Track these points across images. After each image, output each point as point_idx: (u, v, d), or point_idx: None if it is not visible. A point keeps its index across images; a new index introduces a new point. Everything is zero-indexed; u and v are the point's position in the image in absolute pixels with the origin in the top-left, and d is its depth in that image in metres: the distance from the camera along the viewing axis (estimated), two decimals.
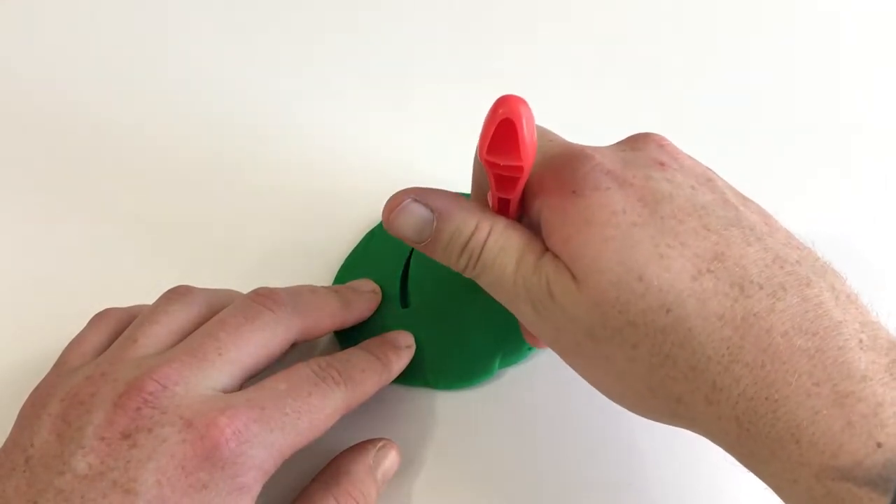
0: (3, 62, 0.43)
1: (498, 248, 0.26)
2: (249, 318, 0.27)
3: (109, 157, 0.40)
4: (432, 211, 0.26)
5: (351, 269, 0.35)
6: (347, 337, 0.33)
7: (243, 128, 0.41)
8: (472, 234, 0.26)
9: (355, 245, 0.36)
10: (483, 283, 0.27)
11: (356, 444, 0.29)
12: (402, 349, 0.31)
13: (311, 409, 0.26)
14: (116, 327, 0.29)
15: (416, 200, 0.27)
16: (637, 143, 0.26)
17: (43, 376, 0.28)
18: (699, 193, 0.24)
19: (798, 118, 0.41)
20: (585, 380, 0.26)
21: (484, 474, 0.31)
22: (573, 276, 0.24)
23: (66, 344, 0.29)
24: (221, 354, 0.26)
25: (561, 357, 0.26)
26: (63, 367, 0.28)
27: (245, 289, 0.35)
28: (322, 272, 0.35)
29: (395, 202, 0.27)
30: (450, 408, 0.32)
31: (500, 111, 0.22)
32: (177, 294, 0.29)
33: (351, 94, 0.42)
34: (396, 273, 0.35)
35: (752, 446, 0.22)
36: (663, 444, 0.31)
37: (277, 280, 0.35)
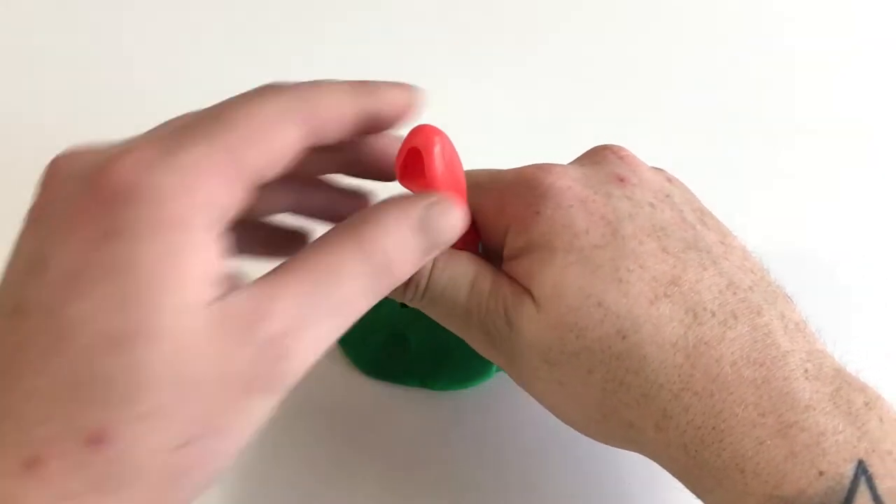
0: (3, 63, 0.43)
1: (446, 279, 0.25)
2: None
3: None
4: None
5: None
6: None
7: None
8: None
9: None
10: (432, 314, 0.26)
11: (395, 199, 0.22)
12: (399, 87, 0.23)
13: (239, 112, 0.20)
14: None
15: None
16: (596, 156, 0.26)
17: None
18: (658, 211, 0.24)
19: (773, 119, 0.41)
20: (541, 403, 0.26)
21: (482, 475, 0.31)
22: (533, 300, 0.23)
23: None
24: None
25: (516, 381, 0.26)
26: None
27: None
28: None
29: None
30: (447, 409, 0.32)
31: (410, 141, 0.22)
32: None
33: None
34: None
35: (699, 474, 0.22)
36: None
37: None
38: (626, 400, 0.22)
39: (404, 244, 0.21)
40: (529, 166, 0.25)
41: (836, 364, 0.23)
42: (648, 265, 0.23)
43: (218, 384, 0.18)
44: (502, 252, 0.25)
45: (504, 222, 0.25)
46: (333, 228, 0.21)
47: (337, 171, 0.25)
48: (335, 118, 0.21)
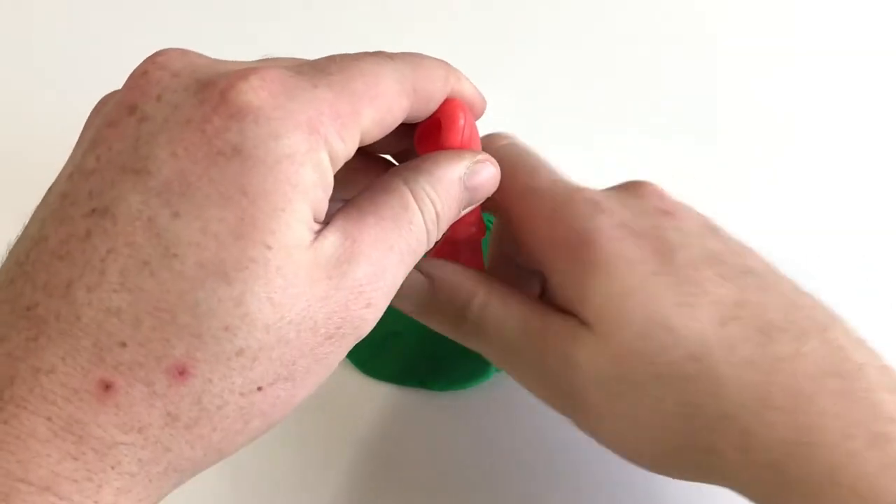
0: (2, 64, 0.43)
1: (497, 321, 0.25)
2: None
3: None
4: (427, 277, 0.25)
5: None
6: None
7: None
8: (468, 303, 0.25)
9: None
10: (483, 351, 0.26)
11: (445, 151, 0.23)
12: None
13: (364, 67, 0.20)
14: None
15: (415, 270, 0.25)
16: (637, 190, 0.26)
17: None
18: (707, 241, 0.24)
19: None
20: (608, 445, 0.25)
21: (480, 475, 0.31)
22: (593, 332, 0.23)
23: None
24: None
25: (579, 426, 0.25)
26: None
27: None
28: None
29: None
30: (447, 409, 0.32)
31: (434, 112, 0.22)
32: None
33: None
34: None
35: (789, 494, 0.21)
36: None
37: None
38: (703, 424, 0.22)
39: (451, 196, 0.22)
40: (581, 192, 0.25)
41: None
42: (709, 290, 0.23)
43: (309, 328, 0.18)
44: (539, 263, 0.25)
45: (551, 242, 0.24)
46: (393, 172, 0.22)
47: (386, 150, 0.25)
48: (435, 98, 0.22)
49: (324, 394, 0.31)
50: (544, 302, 0.25)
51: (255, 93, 0.18)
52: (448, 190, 0.22)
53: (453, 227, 0.23)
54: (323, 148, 0.18)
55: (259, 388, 0.18)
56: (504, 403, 0.32)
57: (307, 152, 0.18)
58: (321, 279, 0.18)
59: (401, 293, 0.22)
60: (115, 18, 0.45)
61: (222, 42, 0.44)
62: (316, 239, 0.18)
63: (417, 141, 0.24)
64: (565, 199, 0.25)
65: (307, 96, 0.18)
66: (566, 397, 0.25)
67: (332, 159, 0.19)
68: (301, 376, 0.19)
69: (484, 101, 0.24)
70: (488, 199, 0.24)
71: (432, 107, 0.22)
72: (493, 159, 0.23)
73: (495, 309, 0.25)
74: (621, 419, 0.23)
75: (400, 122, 0.21)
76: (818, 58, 0.44)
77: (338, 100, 0.19)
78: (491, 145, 0.26)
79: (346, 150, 0.19)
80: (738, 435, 0.22)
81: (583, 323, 0.23)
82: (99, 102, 0.21)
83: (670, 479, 0.30)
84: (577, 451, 0.31)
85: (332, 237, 0.19)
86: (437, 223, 0.21)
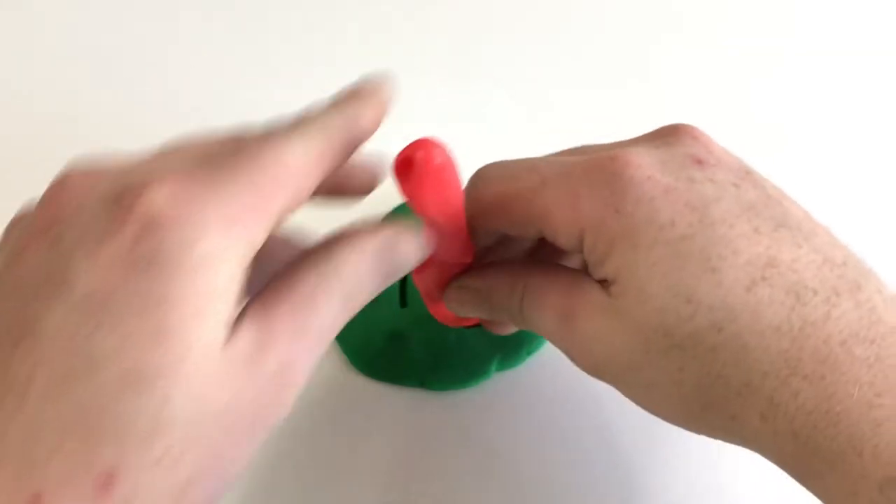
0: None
1: (533, 310, 0.25)
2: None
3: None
4: (478, 291, 0.27)
5: None
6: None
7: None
8: (510, 298, 0.26)
9: None
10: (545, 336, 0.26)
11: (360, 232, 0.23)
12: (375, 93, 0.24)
13: (269, 154, 0.20)
14: None
15: (460, 287, 0.27)
16: (669, 136, 0.25)
17: None
18: (743, 191, 0.23)
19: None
20: (640, 406, 0.25)
21: (479, 476, 0.31)
22: (614, 307, 0.23)
23: None
24: None
25: (624, 393, 0.25)
26: None
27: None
28: None
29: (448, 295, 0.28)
30: (447, 409, 0.32)
31: (409, 148, 0.21)
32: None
33: None
34: None
35: (810, 461, 0.21)
36: (661, 448, 0.31)
37: None
38: (725, 393, 0.22)
39: (365, 273, 0.22)
40: (602, 153, 0.24)
41: None
42: (742, 249, 0.22)
43: (231, 422, 0.19)
44: (579, 254, 0.24)
45: (579, 223, 0.23)
46: (305, 256, 0.22)
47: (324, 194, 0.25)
48: (347, 155, 0.23)
49: (324, 394, 0.32)
50: (580, 275, 0.25)
51: (162, 201, 0.18)
52: (359, 272, 0.22)
53: (440, 259, 0.25)
54: (234, 246, 0.19)
55: (189, 483, 0.18)
56: (504, 403, 0.32)
57: (220, 253, 0.18)
58: (239, 372, 0.19)
59: (462, 309, 0.27)
60: (116, 19, 0.46)
61: (220, 44, 0.44)
62: (233, 334, 0.19)
63: (396, 172, 0.22)
64: (592, 162, 0.23)
65: (215, 197, 0.19)
66: (601, 369, 0.24)
67: (244, 255, 0.19)
68: (231, 463, 0.19)
69: (381, 121, 0.24)
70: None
71: (355, 148, 0.23)
72: (415, 231, 0.23)
73: (531, 302, 0.25)
74: (645, 389, 0.23)
75: (316, 185, 0.21)
76: (816, 58, 0.44)
77: (247, 194, 0.19)
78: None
79: (259, 240, 0.20)
80: (762, 403, 0.21)
81: (604, 298, 0.23)
82: (12, 221, 0.22)
83: (672, 480, 0.30)
84: (578, 450, 0.31)
85: (246, 333, 0.19)
86: (348, 304, 0.22)
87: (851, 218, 0.37)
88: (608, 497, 0.30)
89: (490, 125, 0.41)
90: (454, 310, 0.28)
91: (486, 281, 0.26)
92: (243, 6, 0.46)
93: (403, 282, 0.34)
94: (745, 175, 0.24)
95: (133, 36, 0.45)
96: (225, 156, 0.20)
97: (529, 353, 0.33)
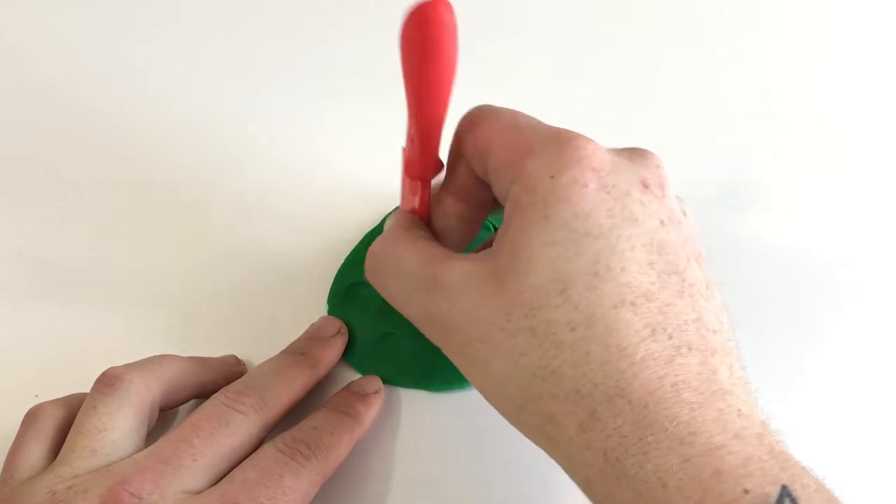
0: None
1: (402, 257, 0.27)
2: (223, 423, 0.27)
3: (104, 158, 0.40)
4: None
5: (351, 268, 0.35)
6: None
7: (242, 128, 0.41)
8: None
9: (355, 245, 0.36)
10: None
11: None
12: (370, 396, 0.31)
13: (285, 493, 0.26)
14: (56, 428, 0.28)
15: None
16: (634, 155, 0.25)
17: None
18: (663, 231, 0.23)
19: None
20: (471, 382, 0.26)
21: (477, 476, 0.31)
22: (493, 269, 0.23)
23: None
24: (196, 461, 0.26)
25: (445, 352, 0.26)
26: (12, 480, 0.27)
27: (245, 290, 0.35)
28: (322, 272, 0.36)
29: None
30: (446, 409, 0.32)
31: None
32: (109, 387, 0.28)
33: (350, 95, 0.42)
34: None
35: (616, 485, 0.21)
36: None
37: (278, 280, 0.36)
38: (554, 392, 0.22)
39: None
40: (571, 131, 0.24)
41: (765, 420, 0.23)
42: (630, 271, 0.22)
43: None
44: (496, 189, 0.25)
45: (515, 171, 0.24)
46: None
47: None
48: (296, 404, 0.31)
49: (324, 395, 0.32)
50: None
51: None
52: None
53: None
54: None
55: None
56: None
57: None
58: None
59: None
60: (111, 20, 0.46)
61: (219, 44, 0.44)
62: None
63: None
64: (558, 132, 0.24)
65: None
66: (444, 333, 0.25)
67: None
68: None
69: (331, 361, 0.32)
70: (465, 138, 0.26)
71: (294, 403, 0.30)
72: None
73: (414, 250, 0.26)
74: (481, 365, 0.24)
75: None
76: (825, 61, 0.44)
77: None
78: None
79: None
80: (584, 414, 0.22)
81: (492, 265, 0.24)
82: (27, 415, 0.29)
83: None
84: None
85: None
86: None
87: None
88: None
89: None
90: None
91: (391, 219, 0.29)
92: (243, 11, 0.46)
93: None
94: (676, 222, 0.24)
95: (133, 35, 0.45)
96: (255, 492, 0.26)
97: None
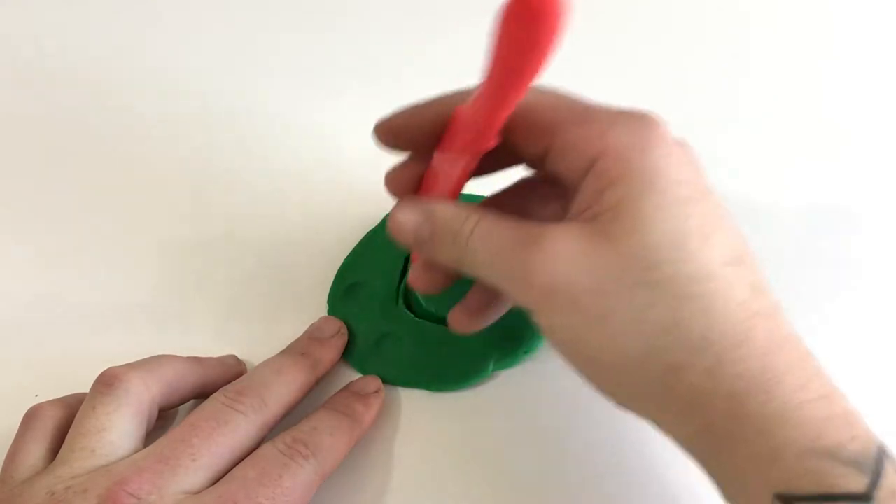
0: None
1: (483, 238, 0.26)
2: (222, 423, 0.27)
3: (104, 157, 0.40)
4: (425, 214, 0.27)
5: (351, 268, 0.36)
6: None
7: (243, 128, 0.41)
8: (461, 227, 0.26)
9: (355, 245, 0.36)
10: (482, 274, 0.26)
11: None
12: (370, 396, 0.31)
13: (284, 493, 0.26)
14: (55, 428, 0.28)
15: (412, 205, 0.28)
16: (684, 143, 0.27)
17: None
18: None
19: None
20: (556, 344, 0.25)
21: (477, 476, 0.31)
22: (596, 232, 0.24)
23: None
24: (195, 460, 0.26)
25: (546, 318, 0.25)
26: (11, 480, 0.27)
27: (245, 290, 0.35)
28: (322, 272, 0.36)
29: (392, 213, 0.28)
30: (444, 409, 0.32)
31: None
32: (108, 387, 0.28)
33: (350, 94, 0.42)
34: (396, 272, 0.35)
35: (736, 425, 0.23)
36: (660, 447, 0.31)
37: (278, 280, 0.36)
38: (680, 340, 0.23)
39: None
40: (638, 109, 0.26)
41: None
42: (729, 233, 0.25)
43: None
44: (572, 170, 0.25)
45: (597, 148, 0.25)
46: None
47: None
48: (296, 404, 0.31)
49: (323, 395, 0.32)
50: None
51: None
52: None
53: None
54: None
55: None
56: (504, 403, 0.32)
57: None
58: None
59: (403, 229, 0.27)
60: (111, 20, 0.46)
61: (220, 44, 0.44)
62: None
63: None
64: (628, 110, 0.26)
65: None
66: (556, 288, 0.24)
67: None
68: None
69: (331, 361, 0.32)
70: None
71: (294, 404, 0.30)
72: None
73: (487, 224, 0.26)
74: (601, 317, 0.24)
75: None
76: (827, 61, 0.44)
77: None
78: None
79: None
80: (711, 359, 0.23)
81: (590, 224, 0.24)
82: (26, 415, 0.29)
83: (671, 480, 0.30)
84: (578, 449, 0.31)
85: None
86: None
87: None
88: (607, 496, 0.30)
89: None
90: (394, 229, 0.28)
91: (438, 204, 0.27)
92: (244, 10, 0.46)
93: (399, 281, 0.34)
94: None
95: (134, 35, 0.45)
96: (255, 490, 0.26)
97: (527, 353, 0.33)
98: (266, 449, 0.27)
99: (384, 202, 0.37)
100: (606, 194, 0.24)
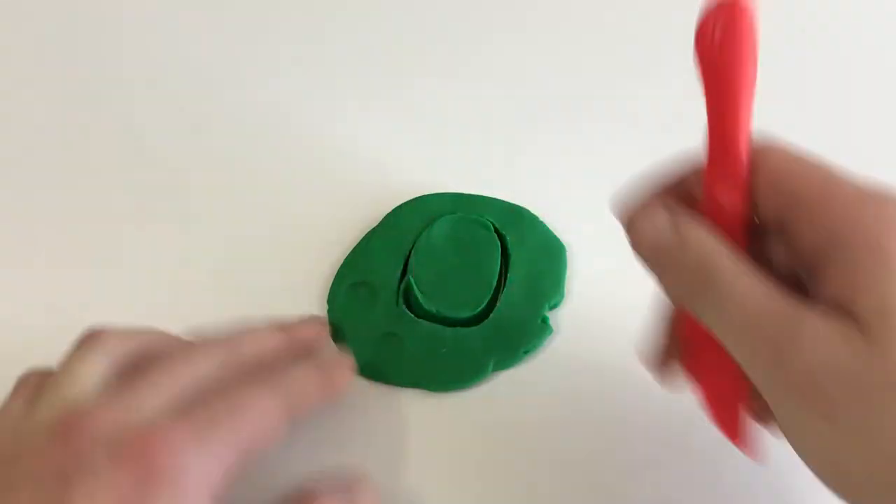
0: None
1: (743, 296, 0.23)
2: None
3: (105, 156, 0.40)
4: (677, 235, 0.24)
5: (351, 268, 0.36)
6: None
7: (243, 128, 0.41)
8: (716, 270, 0.24)
9: (355, 245, 0.36)
10: (714, 326, 0.24)
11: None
12: (343, 366, 0.31)
13: (246, 415, 0.26)
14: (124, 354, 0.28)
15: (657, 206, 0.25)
16: None
17: None
18: None
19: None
20: (798, 449, 0.23)
21: (477, 475, 0.31)
22: (866, 334, 0.22)
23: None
24: (157, 388, 0.26)
25: (778, 416, 0.23)
26: None
27: (245, 289, 0.35)
28: (322, 272, 0.36)
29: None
30: (443, 409, 0.32)
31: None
32: (92, 340, 0.28)
33: (351, 94, 0.42)
34: (395, 272, 0.35)
35: None
36: (660, 447, 0.31)
37: (278, 279, 0.36)
38: None
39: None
40: (886, 188, 0.23)
41: None
42: None
43: None
44: (814, 255, 0.23)
45: (838, 222, 0.23)
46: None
47: None
48: (306, 404, 0.29)
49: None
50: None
51: (165, 453, 0.24)
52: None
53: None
54: (213, 487, 0.25)
55: None
56: (504, 403, 0.32)
57: (202, 495, 0.24)
58: None
59: (644, 237, 0.24)
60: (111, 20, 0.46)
61: (221, 43, 0.44)
62: None
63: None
64: (876, 190, 0.23)
65: (206, 450, 0.25)
66: (793, 391, 0.23)
67: (220, 489, 0.25)
68: None
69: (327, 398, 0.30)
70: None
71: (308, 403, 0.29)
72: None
73: (745, 283, 0.23)
74: (861, 430, 0.22)
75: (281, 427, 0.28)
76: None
77: (230, 446, 0.25)
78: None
79: (232, 475, 0.25)
80: None
81: (851, 320, 0.22)
82: (18, 382, 0.27)
83: (672, 480, 0.30)
84: (578, 450, 0.31)
85: None
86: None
87: None
88: (607, 496, 0.30)
89: (492, 126, 0.41)
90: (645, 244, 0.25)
91: (700, 235, 0.24)
92: (244, 9, 0.46)
93: (399, 281, 0.34)
94: None
95: (132, 33, 0.45)
96: (218, 410, 0.26)
97: (526, 353, 0.33)
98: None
99: (384, 202, 0.37)
100: (859, 280, 0.22)
